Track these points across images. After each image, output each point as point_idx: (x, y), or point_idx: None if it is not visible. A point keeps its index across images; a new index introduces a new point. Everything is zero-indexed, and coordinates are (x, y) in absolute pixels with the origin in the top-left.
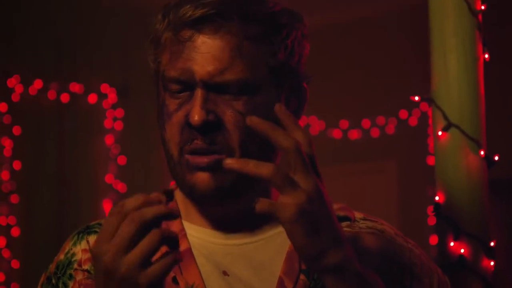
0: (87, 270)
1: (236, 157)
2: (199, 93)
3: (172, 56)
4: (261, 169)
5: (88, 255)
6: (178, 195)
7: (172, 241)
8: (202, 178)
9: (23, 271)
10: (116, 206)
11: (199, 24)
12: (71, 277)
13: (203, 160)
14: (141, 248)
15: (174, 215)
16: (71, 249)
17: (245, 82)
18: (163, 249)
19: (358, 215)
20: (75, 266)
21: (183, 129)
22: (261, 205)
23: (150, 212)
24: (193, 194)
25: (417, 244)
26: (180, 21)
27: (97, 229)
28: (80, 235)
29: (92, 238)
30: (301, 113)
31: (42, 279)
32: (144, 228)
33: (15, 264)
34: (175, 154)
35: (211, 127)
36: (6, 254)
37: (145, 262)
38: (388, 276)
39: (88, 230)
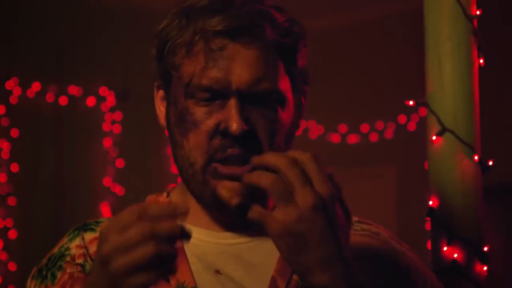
0: (80, 264)
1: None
2: (234, 102)
3: (203, 64)
4: (263, 179)
5: (82, 250)
6: (174, 195)
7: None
8: (232, 187)
9: (20, 274)
10: (141, 206)
11: (234, 34)
12: (60, 268)
13: (236, 170)
14: (134, 256)
15: (187, 236)
16: (66, 243)
17: (277, 91)
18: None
19: (352, 218)
20: (67, 259)
21: (213, 138)
22: (253, 213)
23: (163, 230)
24: (217, 201)
25: (410, 248)
26: (213, 30)
27: (93, 227)
28: (76, 232)
29: (87, 235)
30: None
31: (33, 271)
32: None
33: (12, 266)
34: (199, 162)
35: (246, 136)
36: (3, 256)
37: (134, 270)
38: (383, 278)
39: (85, 228)
